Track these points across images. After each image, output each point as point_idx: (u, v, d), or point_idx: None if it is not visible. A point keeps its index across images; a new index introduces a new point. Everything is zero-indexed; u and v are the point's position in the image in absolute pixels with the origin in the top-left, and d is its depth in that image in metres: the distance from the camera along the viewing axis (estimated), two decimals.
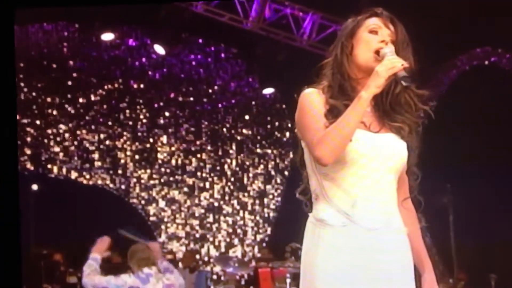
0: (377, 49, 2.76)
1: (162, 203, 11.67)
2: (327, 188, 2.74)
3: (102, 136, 11.32)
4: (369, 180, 2.71)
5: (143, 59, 11.50)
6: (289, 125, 11.79)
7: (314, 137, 2.68)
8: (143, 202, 11.56)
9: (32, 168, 10.93)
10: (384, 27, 2.81)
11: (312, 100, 2.76)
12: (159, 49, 10.13)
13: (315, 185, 2.79)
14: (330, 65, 2.85)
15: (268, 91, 11.25)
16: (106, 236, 6.25)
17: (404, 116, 2.79)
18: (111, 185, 11.37)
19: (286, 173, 12.14)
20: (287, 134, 12.11)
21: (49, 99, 11.05)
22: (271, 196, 12.12)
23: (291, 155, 12.01)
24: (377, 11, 2.84)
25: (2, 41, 3.66)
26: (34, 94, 10.96)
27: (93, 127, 11.29)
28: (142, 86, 11.54)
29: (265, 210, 12.10)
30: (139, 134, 11.58)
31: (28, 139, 10.93)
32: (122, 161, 11.44)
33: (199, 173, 11.94)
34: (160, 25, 9.48)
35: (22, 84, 10.87)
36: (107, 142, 11.37)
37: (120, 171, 11.43)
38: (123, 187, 11.45)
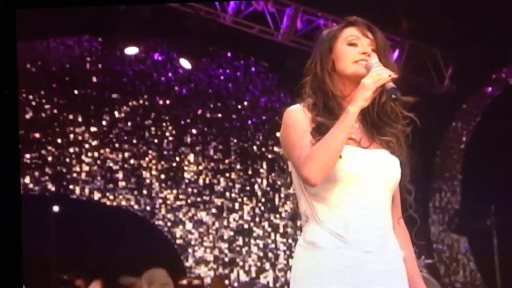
0: (358, 61, 2.75)
1: (189, 225, 11.66)
2: (318, 209, 2.72)
3: (126, 154, 11.36)
4: (362, 199, 2.69)
5: (169, 74, 11.52)
6: None
7: (301, 156, 2.66)
8: (169, 224, 11.56)
9: (53, 188, 10.98)
10: (363, 37, 2.81)
11: (297, 117, 2.74)
12: (185, 64, 10.15)
13: (304, 206, 2.77)
14: (310, 83, 2.84)
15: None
16: (98, 280, 6.22)
17: (391, 126, 2.79)
18: (136, 206, 11.39)
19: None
20: None
21: (71, 117, 11.11)
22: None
23: None
24: (351, 19, 2.86)
25: (3, 42, 3.70)
26: (55, 111, 11.03)
27: (117, 145, 11.32)
28: (168, 102, 11.57)
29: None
30: (165, 152, 11.59)
31: (49, 158, 10.99)
32: (147, 181, 11.45)
33: (228, 194, 11.92)
34: (186, 38, 9.51)
35: (43, 101, 10.95)
36: (132, 161, 11.39)
37: (145, 192, 11.44)
38: (148, 208, 11.46)
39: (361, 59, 2.76)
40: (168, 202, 11.58)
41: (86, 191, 11.15)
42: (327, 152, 2.63)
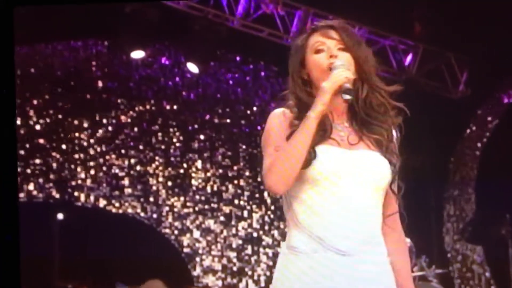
0: (329, 66, 2.76)
1: (196, 233, 11.63)
2: (298, 211, 2.72)
3: (132, 161, 11.35)
4: (342, 201, 2.68)
5: (177, 79, 11.51)
6: None
7: (266, 164, 2.70)
8: (176, 232, 11.54)
9: (57, 195, 10.98)
10: (328, 39, 2.80)
11: (273, 124, 2.78)
12: (193, 68, 10.14)
13: (286, 210, 2.78)
14: (290, 87, 2.88)
15: None
16: None
17: (381, 120, 2.78)
18: (142, 214, 11.38)
19: None
20: None
21: (76, 122, 11.12)
22: None
23: None
24: (312, 26, 2.83)
25: (1, 41, 3.68)
26: (60, 116, 11.05)
27: (123, 151, 11.32)
28: (175, 107, 11.56)
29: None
30: (172, 159, 11.58)
31: (54, 164, 11.00)
32: (154, 188, 11.43)
33: (236, 201, 11.89)
34: (193, 41, 9.51)
35: (47, 106, 10.96)
36: (138, 168, 11.38)
37: (151, 199, 11.42)
38: (154, 216, 11.44)
39: (330, 63, 2.77)
40: (175, 209, 11.55)
41: (91, 198, 11.14)
42: (287, 160, 2.64)
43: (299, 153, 2.65)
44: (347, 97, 2.70)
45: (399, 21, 9.77)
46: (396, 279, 2.78)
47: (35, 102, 10.97)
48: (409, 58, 10.17)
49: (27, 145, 10.90)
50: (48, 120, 10.95)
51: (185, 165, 11.61)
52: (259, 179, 12.03)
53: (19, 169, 10.73)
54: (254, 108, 11.99)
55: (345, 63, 2.74)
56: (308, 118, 2.68)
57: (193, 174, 11.72)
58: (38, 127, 10.98)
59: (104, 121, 11.27)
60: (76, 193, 11.08)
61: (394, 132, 2.86)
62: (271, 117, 2.83)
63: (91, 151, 11.18)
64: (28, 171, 10.88)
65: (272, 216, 12.02)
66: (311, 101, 2.77)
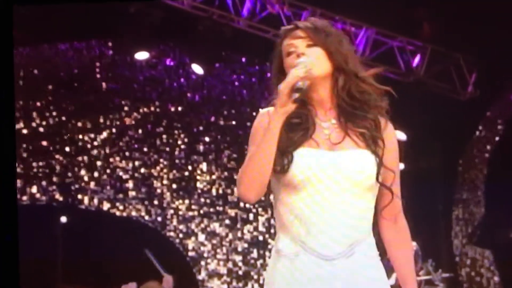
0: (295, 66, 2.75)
1: (201, 237, 11.61)
2: (282, 214, 2.73)
3: (136, 163, 11.34)
4: (323, 206, 2.66)
5: (182, 80, 11.50)
6: None
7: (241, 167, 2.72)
8: (181, 235, 11.53)
9: (61, 198, 10.99)
10: (296, 40, 2.79)
11: (258, 123, 2.84)
12: (198, 69, 10.13)
13: (274, 212, 2.81)
14: (275, 95, 2.83)
15: None
16: None
17: (365, 110, 2.74)
18: (146, 217, 11.37)
19: None
20: None
21: (79, 124, 11.12)
22: None
23: None
24: (281, 31, 2.83)
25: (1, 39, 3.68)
26: (63, 118, 11.04)
27: (127, 153, 11.31)
28: (180, 109, 11.54)
29: None
30: (177, 161, 11.57)
31: (57, 167, 10.99)
32: (159, 190, 11.42)
33: (242, 204, 11.87)
34: (198, 42, 9.50)
35: (51, 108, 10.96)
36: (142, 170, 11.37)
37: (156, 202, 11.41)
38: (159, 219, 11.43)
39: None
40: (180, 212, 11.54)
41: (95, 201, 11.15)
42: (254, 168, 2.66)
43: (265, 160, 2.67)
44: (296, 95, 2.66)
45: (406, 21, 9.75)
46: (397, 274, 2.77)
47: (38, 103, 10.97)
48: (417, 59, 10.15)
49: (30, 147, 10.89)
50: (51, 122, 10.95)
51: (190, 168, 11.60)
52: None
53: (22, 172, 10.74)
54: (260, 110, 11.96)
55: (305, 60, 2.72)
56: (269, 124, 2.68)
57: (198, 177, 11.70)
58: (41, 129, 10.98)
59: (108, 123, 11.26)
60: (79, 196, 11.09)
61: (390, 127, 2.81)
62: (257, 117, 2.88)
63: (95, 153, 11.17)
64: (31, 173, 10.87)
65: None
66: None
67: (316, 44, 2.76)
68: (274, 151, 2.68)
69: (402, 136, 10.17)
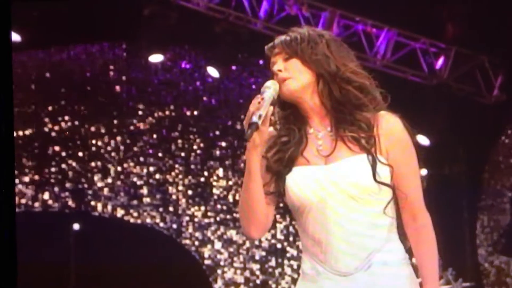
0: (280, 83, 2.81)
1: (218, 245, 11.60)
2: (300, 235, 2.81)
3: (151, 169, 11.34)
4: (328, 221, 2.70)
5: (197, 83, 11.50)
6: None
7: None
8: (196, 243, 11.52)
9: (73, 205, 10.99)
10: (275, 57, 2.84)
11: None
12: (214, 72, 10.13)
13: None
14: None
15: None
16: None
17: (354, 113, 2.73)
18: (161, 224, 11.35)
19: None
20: None
21: (93, 128, 11.13)
22: None
23: None
24: (266, 51, 2.89)
25: None
26: (76, 123, 11.05)
27: (141, 159, 11.31)
28: (196, 113, 11.51)
29: None
30: (193, 166, 11.55)
31: (70, 173, 11.00)
32: (174, 197, 11.41)
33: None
34: (214, 45, 9.50)
35: (63, 112, 10.97)
36: (157, 176, 11.36)
37: (171, 208, 11.40)
38: (174, 226, 11.42)
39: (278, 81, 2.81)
40: (196, 219, 11.52)
41: (109, 207, 11.15)
42: (244, 208, 2.77)
43: (254, 196, 2.74)
44: (248, 131, 2.68)
45: (430, 22, 9.71)
46: (419, 273, 2.77)
47: (50, 108, 10.98)
48: (440, 61, 10.10)
49: (42, 153, 10.90)
50: (63, 126, 10.96)
51: (206, 173, 11.57)
52: None
53: (33, 178, 10.77)
54: None
55: (266, 89, 2.77)
56: (246, 162, 2.73)
57: (214, 183, 11.69)
58: (53, 133, 10.98)
59: (122, 127, 11.26)
60: (93, 203, 11.09)
61: (389, 119, 2.78)
62: None
63: (109, 159, 11.18)
64: (43, 179, 10.88)
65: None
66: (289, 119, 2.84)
67: (291, 56, 2.80)
68: (258, 186, 2.74)
69: (424, 141, 10.14)
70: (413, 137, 2.79)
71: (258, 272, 11.72)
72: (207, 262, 11.54)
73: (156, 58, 10.31)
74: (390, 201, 2.74)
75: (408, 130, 2.78)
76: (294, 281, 11.88)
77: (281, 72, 2.80)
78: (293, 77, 2.78)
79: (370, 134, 2.71)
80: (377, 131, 2.73)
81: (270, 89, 2.77)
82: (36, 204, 10.84)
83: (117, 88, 11.24)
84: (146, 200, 11.31)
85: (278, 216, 11.90)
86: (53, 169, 10.96)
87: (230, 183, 11.77)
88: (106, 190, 11.15)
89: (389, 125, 2.75)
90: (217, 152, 11.69)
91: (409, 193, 2.74)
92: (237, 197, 11.78)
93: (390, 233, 2.75)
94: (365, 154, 2.71)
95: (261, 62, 11.84)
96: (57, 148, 11.00)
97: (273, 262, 11.83)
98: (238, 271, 11.66)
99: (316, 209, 2.72)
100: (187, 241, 11.48)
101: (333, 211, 2.70)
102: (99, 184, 11.13)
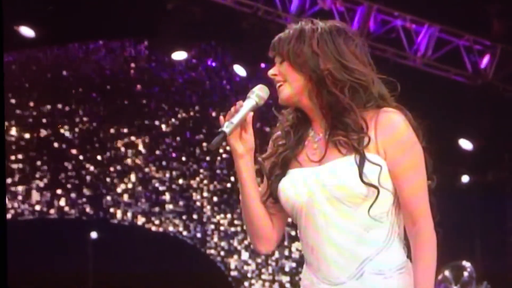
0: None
1: (245, 255, 11.59)
2: (302, 246, 2.83)
3: (174, 174, 11.32)
4: (318, 227, 2.73)
5: (224, 82, 11.50)
6: None
7: None
8: (222, 253, 11.51)
9: (91, 212, 11.01)
10: (275, 60, 2.89)
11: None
12: (240, 71, 10.11)
13: None
14: None
15: None
16: None
17: (343, 115, 2.74)
18: (185, 233, 11.35)
19: None
20: None
21: (112, 130, 11.13)
22: None
23: None
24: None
25: None
26: (94, 124, 11.06)
27: (164, 163, 11.30)
28: (222, 114, 11.49)
29: None
30: (218, 171, 11.54)
31: (88, 177, 11.02)
32: (198, 204, 11.40)
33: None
34: (242, 41, 9.49)
35: (81, 113, 10.98)
36: (180, 181, 11.36)
37: (195, 216, 11.39)
38: (198, 235, 11.42)
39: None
40: (222, 228, 11.51)
41: (129, 215, 11.16)
42: (244, 220, 2.87)
43: (250, 208, 2.83)
44: (213, 141, 2.80)
45: (474, 18, 9.69)
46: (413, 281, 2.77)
47: (67, 108, 10.96)
48: (485, 60, 10.06)
49: (58, 156, 10.90)
50: (81, 128, 10.96)
51: (232, 179, 11.52)
52: None
53: (49, 183, 10.78)
54: None
55: (250, 93, 2.90)
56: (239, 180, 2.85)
57: None
58: (70, 136, 10.98)
59: (143, 129, 11.25)
60: (112, 210, 11.10)
61: (386, 118, 2.76)
62: None
63: (129, 163, 11.17)
64: (59, 185, 10.88)
65: None
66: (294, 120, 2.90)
67: (284, 59, 2.84)
68: (251, 199, 2.82)
69: (467, 145, 10.05)
70: (418, 135, 2.77)
71: (287, 285, 11.71)
72: (233, 273, 11.55)
73: (180, 55, 10.30)
74: (385, 203, 2.74)
75: (413, 127, 2.76)
76: None
77: (276, 76, 2.85)
78: (287, 81, 2.81)
79: (362, 135, 2.70)
80: (375, 129, 2.72)
81: (253, 94, 2.88)
82: (52, 211, 10.85)
83: (138, 87, 11.24)
84: (169, 207, 11.31)
85: None
86: (69, 174, 10.96)
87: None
88: (126, 196, 11.16)
89: (387, 122, 2.73)
90: None
91: (408, 196, 2.72)
92: None
93: (387, 240, 2.74)
94: (352, 154, 2.71)
95: None
96: (74, 151, 11.00)
97: None
98: (267, 284, 11.66)
99: (306, 214, 2.74)
100: (212, 251, 11.49)
101: (323, 216, 2.72)
102: (119, 190, 11.14)
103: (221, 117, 2.84)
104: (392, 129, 2.72)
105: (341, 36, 2.80)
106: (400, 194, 2.73)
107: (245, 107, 2.85)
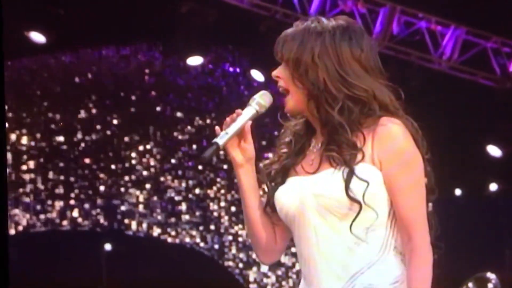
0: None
1: (264, 267, 11.54)
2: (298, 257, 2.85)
3: (190, 183, 11.34)
4: (308, 237, 2.73)
5: (241, 88, 11.48)
6: (428, 169, 11.44)
7: None
8: (241, 265, 11.51)
9: (105, 223, 11.04)
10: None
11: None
12: (258, 76, 10.09)
13: None
14: None
15: None
16: None
17: (341, 134, 2.73)
18: (202, 244, 11.36)
19: None
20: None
21: (126, 139, 11.14)
22: None
23: (430, 207, 11.63)
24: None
25: None
26: (108, 132, 11.08)
27: (179, 172, 11.31)
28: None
29: None
30: (236, 180, 11.50)
31: (101, 187, 11.04)
32: (215, 214, 11.40)
33: None
34: (259, 45, 9.43)
35: (93, 121, 11.01)
36: (197, 191, 11.37)
37: (212, 227, 11.40)
38: (216, 246, 11.43)
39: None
40: (240, 239, 11.50)
41: (144, 226, 11.17)
42: (246, 229, 2.89)
43: (250, 217, 2.85)
44: (205, 152, 2.77)
45: (502, 19, 9.59)
46: None
47: (80, 116, 10.98)
48: None
49: (71, 165, 10.92)
50: (94, 137, 10.98)
51: None
52: None
53: (61, 193, 10.80)
54: None
55: (251, 101, 2.87)
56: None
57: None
58: (83, 144, 10.99)
59: (158, 137, 11.26)
60: (126, 220, 11.12)
61: (386, 134, 2.72)
62: None
63: (144, 172, 11.17)
64: (72, 195, 10.90)
65: None
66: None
67: (284, 62, 2.80)
68: (251, 208, 2.84)
69: (496, 151, 9.96)
70: (421, 147, 2.74)
71: None
72: (252, 286, 11.57)
73: (195, 60, 10.30)
74: (367, 222, 2.72)
75: (415, 139, 2.74)
76: None
77: (279, 79, 2.82)
78: (290, 92, 2.78)
79: (354, 152, 2.69)
80: (373, 140, 2.70)
81: (254, 101, 2.86)
82: (64, 223, 10.87)
83: (153, 93, 11.24)
84: (185, 217, 11.32)
85: None
86: (82, 183, 10.97)
87: None
88: (141, 207, 11.18)
89: (384, 135, 2.70)
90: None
91: (404, 210, 2.70)
92: None
93: (381, 253, 2.72)
94: (343, 168, 2.70)
95: None
96: (87, 161, 11.02)
97: None
98: None
99: (298, 224, 2.74)
100: (230, 263, 11.50)
101: (313, 227, 2.72)
102: (133, 200, 11.15)
103: (217, 128, 2.80)
104: (389, 141, 2.69)
105: (345, 40, 2.73)
106: (395, 208, 2.70)
107: (244, 116, 2.82)
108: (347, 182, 2.66)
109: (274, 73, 2.82)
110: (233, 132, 2.79)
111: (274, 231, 2.85)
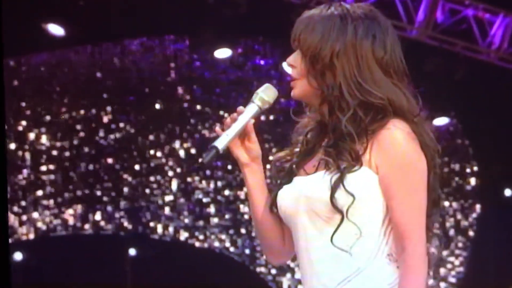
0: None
1: (299, 274, 11.44)
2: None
3: (219, 184, 11.35)
4: (300, 240, 2.75)
5: (274, 82, 11.38)
6: (475, 168, 11.38)
7: None
8: (273, 271, 11.51)
9: (129, 226, 11.06)
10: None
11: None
12: (289, 69, 9.99)
13: None
14: None
15: (441, 121, 10.94)
16: None
17: (346, 143, 2.71)
18: (232, 249, 11.38)
19: (470, 233, 11.72)
20: (472, 180, 11.63)
21: (151, 137, 11.16)
22: (450, 266, 11.76)
23: (478, 209, 11.63)
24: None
25: None
26: (132, 130, 11.12)
27: (208, 172, 11.31)
28: (271, 117, 11.46)
29: (442, 285, 11.73)
30: (268, 180, 11.42)
31: (125, 189, 11.05)
32: (246, 217, 11.36)
33: None
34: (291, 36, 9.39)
35: (117, 118, 11.08)
36: (226, 192, 11.37)
37: (243, 230, 11.39)
38: (247, 251, 11.43)
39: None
40: None
41: (170, 229, 11.18)
42: (255, 229, 2.91)
43: (255, 223, 2.87)
44: (204, 156, 2.71)
45: None
46: None
47: (102, 113, 11.01)
48: None
49: (93, 166, 10.94)
50: (117, 136, 11.01)
51: None
52: None
53: (83, 195, 10.85)
54: None
55: (254, 96, 2.84)
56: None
57: None
58: (105, 143, 11.01)
59: (185, 135, 11.28)
60: (151, 224, 11.12)
61: (388, 145, 2.70)
62: None
63: (170, 173, 11.18)
64: (94, 197, 10.92)
65: None
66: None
67: (299, 45, 2.77)
68: (257, 208, 2.84)
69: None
70: (428, 155, 2.72)
71: None
72: None
73: (224, 53, 10.45)
74: (348, 236, 2.70)
75: (423, 146, 2.71)
76: None
77: (293, 68, 2.78)
78: (301, 77, 2.76)
79: (353, 163, 2.68)
80: (372, 143, 2.68)
81: (256, 97, 2.82)
82: (86, 226, 10.90)
83: (180, 89, 11.26)
84: (214, 220, 11.35)
85: None
86: (105, 185, 11.00)
87: None
88: (167, 209, 11.19)
89: (384, 140, 2.68)
90: None
91: (397, 218, 2.68)
92: None
93: (371, 259, 2.70)
94: (335, 173, 2.70)
95: None
96: (110, 161, 11.06)
97: None
98: None
99: (294, 225, 2.76)
100: (262, 269, 11.51)
101: (303, 228, 2.74)
102: (159, 202, 11.15)
103: (217, 128, 2.73)
104: (387, 145, 2.67)
105: (369, 38, 2.68)
106: (390, 214, 2.69)
107: (245, 115, 2.78)
108: (333, 189, 2.65)
109: (289, 60, 2.77)
110: (234, 134, 2.74)
111: (282, 231, 2.85)
